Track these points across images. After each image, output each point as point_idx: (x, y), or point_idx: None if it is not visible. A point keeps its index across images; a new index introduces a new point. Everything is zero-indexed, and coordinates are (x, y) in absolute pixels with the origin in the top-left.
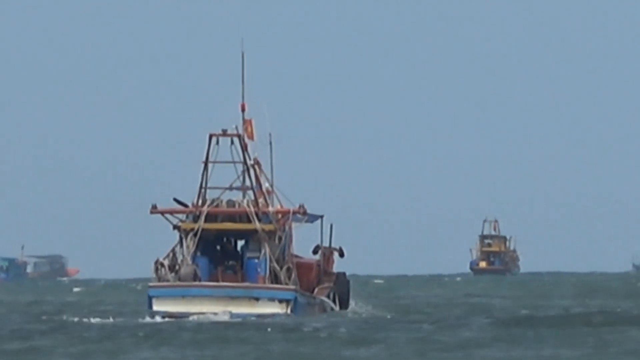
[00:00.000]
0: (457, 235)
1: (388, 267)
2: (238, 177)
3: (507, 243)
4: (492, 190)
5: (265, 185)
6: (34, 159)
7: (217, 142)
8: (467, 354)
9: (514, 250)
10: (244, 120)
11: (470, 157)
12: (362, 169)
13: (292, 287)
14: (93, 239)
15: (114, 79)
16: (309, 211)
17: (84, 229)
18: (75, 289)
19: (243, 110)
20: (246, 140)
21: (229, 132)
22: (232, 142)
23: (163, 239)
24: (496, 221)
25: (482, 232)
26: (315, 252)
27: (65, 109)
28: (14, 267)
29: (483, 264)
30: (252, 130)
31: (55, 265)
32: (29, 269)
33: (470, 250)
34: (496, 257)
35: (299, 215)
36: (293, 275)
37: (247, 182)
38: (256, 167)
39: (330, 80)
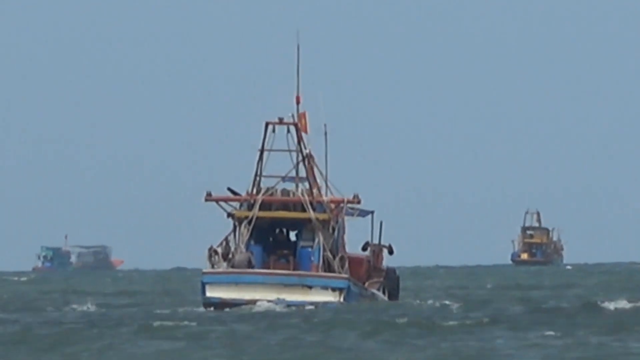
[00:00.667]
0: (498, 227)
1: (429, 258)
2: (294, 167)
3: (550, 234)
4: (533, 181)
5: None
6: (80, 149)
7: (274, 131)
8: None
9: (557, 242)
10: (298, 113)
11: (511, 149)
12: (405, 161)
13: (346, 275)
14: (137, 229)
15: (167, 68)
16: (361, 204)
17: (129, 219)
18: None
19: (298, 102)
20: (295, 131)
21: (285, 120)
22: (288, 131)
23: (213, 228)
24: (538, 213)
25: (524, 223)
26: (364, 248)
27: (115, 97)
28: (58, 257)
29: (524, 256)
30: (305, 123)
31: (100, 256)
32: (73, 259)
33: (512, 241)
34: (538, 249)
35: (351, 208)
36: (346, 265)
37: (301, 172)
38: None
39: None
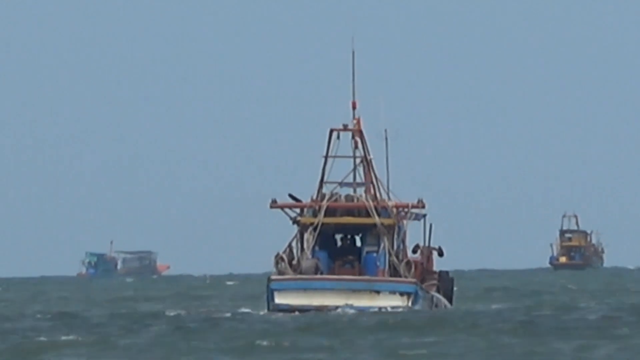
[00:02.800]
0: (537, 230)
1: (468, 262)
2: (353, 170)
3: (588, 238)
4: (572, 184)
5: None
6: (130, 155)
7: (338, 137)
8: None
9: (597, 245)
10: (354, 117)
11: (549, 153)
12: (446, 165)
13: (413, 280)
14: (183, 235)
15: (228, 75)
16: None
17: (174, 225)
18: (229, 283)
19: (354, 107)
20: (355, 137)
21: (349, 127)
22: (353, 137)
23: (265, 234)
24: (576, 216)
25: (562, 227)
26: (414, 251)
27: (176, 103)
28: (103, 263)
29: (563, 259)
30: (360, 128)
31: (145, 261)
32: (118, 265)
33: (551, 245)
34: (577, 252)
35: (416, 211)
36: (412, 269)
37: (359, 177)
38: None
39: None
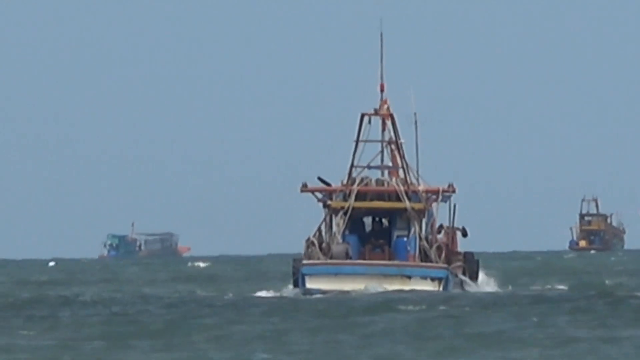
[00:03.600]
0: (556, 214)
1: (487, 245)
2: (380, 153)
3: (608, 220)
4: (592, 168)
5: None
6: (148, 137)
7: (369, 122)
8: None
9: (618, 227)
10: (382, 100)
11: (569, 139)
12: (468, 147)
13: (444, 265)
14: (204, 217)
15: (257, 59)
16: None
17: (195, 207)
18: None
19: (382, 90)
20: (386, 121)
21: (380, 111)
22: (383, 121)
23: (287, 218)
24: (596, 200)
25: (581, 211)
26: (438, 231)
27: (196, 84)
28: (125, 245)
29: (583, 243)
30: (390, 112)
31: (167, 243)
32: (139, 247)
33: (571, 229)
34: (596, 236)
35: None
36: (443, 254)
37: (388, 161)
38: (392, 146)
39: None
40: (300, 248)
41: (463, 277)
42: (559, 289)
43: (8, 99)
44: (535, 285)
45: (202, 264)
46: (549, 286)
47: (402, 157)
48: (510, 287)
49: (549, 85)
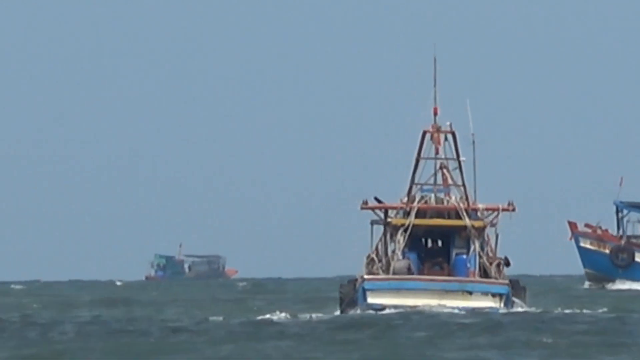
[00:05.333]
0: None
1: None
2: (434, 173)
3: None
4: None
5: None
6: (197, 158)
7: (431, 139)
8: None
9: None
10: (434, 125)
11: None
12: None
13: (506, 281)
14: (251, 239)
15: (312, 77)
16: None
17: (243, 229)
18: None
19: (435, 114)
20: (448, 138)
21: (442, 129)
22: (445, 139)
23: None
24: None
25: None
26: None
27: (249, 103)
28: (172, 266)
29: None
30: (439, 135)
31: (214, 265)
32: (186, 268)
33: None
34: None
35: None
36: (504, 271)
37: (442, 180)
38: (446, 167)
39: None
40: (344, 271)
41: (517, 300)
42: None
43: (58, 121)
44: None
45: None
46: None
47: (462, 175)
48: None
49: (610, 103)
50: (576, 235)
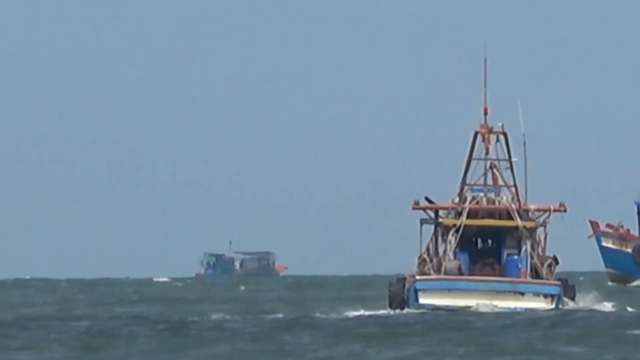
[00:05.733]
0: None
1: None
2: (485, 173)
3: None
4: None
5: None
6: (247, 156)
7: (483, 140)
8: None
9: None
10: (483, 125)
11: None
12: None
13: (557, 282)
14: (301, 236)
15: (360, 77)
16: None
17: (292, 225)
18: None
19: (485, 114)
20: (487, 145)
21: (494, 129)
22: (497, 140)
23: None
24: None
25: None
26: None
27: (299, 103)
28: (222, 263)
29: None
30: (489, 135)
31: (264, 262)
32: (236, 265)
33: None
34: None
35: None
36: (555, 272)
37: (494, 179)
38: (496, 166)
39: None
40: (393, 270)
41: (566, 300)
42: None
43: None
44: None
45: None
46: None
47: (513, 175)
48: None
49: None
50: (598, 234)
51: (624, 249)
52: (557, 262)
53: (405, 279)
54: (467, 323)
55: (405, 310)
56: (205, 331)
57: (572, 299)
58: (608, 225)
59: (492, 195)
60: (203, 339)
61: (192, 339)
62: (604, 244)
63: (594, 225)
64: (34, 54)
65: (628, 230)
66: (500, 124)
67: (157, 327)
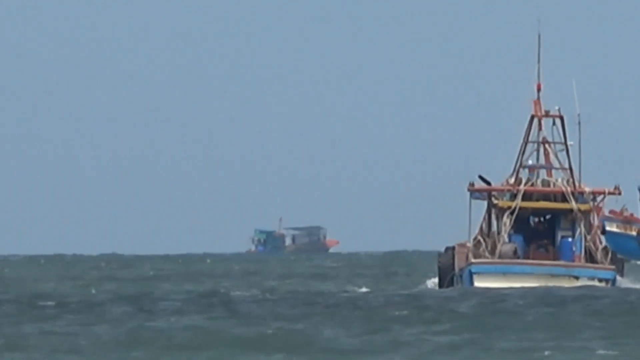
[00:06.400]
0: None
1: None
2: (536, 153)
3: None
4: None
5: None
6: (295, 132)
7: (539, 123)
8: None
9: None
10: (536, 101)
11: None
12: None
13: (612, 266)
14: (353, 210)
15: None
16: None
17: (344, 200)
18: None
19: (539, 90)
20: (556, 122)
21: (551, 113)
22: (553, 123)
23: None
24: None
25: None
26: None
27: (357, 79)
28: (272, 240)
29: None
30: (541, 115)
31: (314, 237)
32: (287, 242)
33: None
34: None
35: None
36: (609, 255)
37: (545, 154)
38: (548, 142)
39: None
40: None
41: (620, 278)
42: None
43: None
44: None
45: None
46: None
47: (569, 158)
48: None
49: None
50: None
51: (628, 232)
52: (603, 232)
53: (454, 248)
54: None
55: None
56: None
57: (622, 273)
58: (611, 212)
59: (543, 172)
60: None
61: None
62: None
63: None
64: (66, 34)
65: (632, 214)
66: (557, 107)
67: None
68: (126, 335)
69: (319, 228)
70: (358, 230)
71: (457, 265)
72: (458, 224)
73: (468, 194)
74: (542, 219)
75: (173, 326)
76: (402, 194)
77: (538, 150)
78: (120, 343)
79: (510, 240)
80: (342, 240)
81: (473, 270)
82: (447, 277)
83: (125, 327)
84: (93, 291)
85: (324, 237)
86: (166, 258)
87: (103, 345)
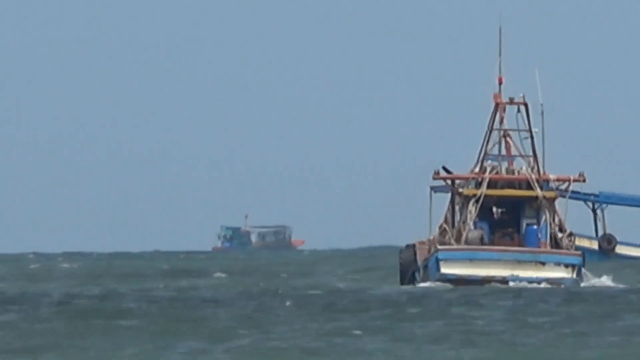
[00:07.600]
0: None
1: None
2: (500, 141)
3: None
4: None
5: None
6: (262, 130)
7: (504, 111)
8: None
9: None
10: (497, 94)
11: None
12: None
13: (579, 252)
14: (318, 209)
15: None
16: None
17: (309, 199)
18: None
19: (500, 83)
20: (502, 114)
21: (515, 100)
22: (518, 110)
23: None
24: None
25: None
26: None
27: (328, 77)
28: (238, 236)
29: None
30: (504, 105)
31: (280, 236)
32: (253, 239)
33: None
34: None
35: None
36: (575, 241)
37: (507, 147)
38: (509, 135)
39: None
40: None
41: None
42: None
43: (124, 95)
44: None
45: None
46: None
47: (533, 145)
48: None
49: None
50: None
51: None
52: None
53: (414, 245)
54: None
55: (427, 284)
56: None
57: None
58: None
59: (505, 163)
60: None
61: None
62: None
63: None
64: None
65: None
66: (521, 95)
67: None
68: None
69: (285, 227)
70: (323, 229)
71: (420, 259)
72: (422, 219)
73: (429, 190)
74: (506, 207)
75: None
76: (365, 190)
77: (501, 139)
78: None
79: (476, 228)
80: (307, 239)
81: (440, 257)
82: (408, 273)
83: None
84: None
85: (290, 237)
86: (133, 255)
87: None
